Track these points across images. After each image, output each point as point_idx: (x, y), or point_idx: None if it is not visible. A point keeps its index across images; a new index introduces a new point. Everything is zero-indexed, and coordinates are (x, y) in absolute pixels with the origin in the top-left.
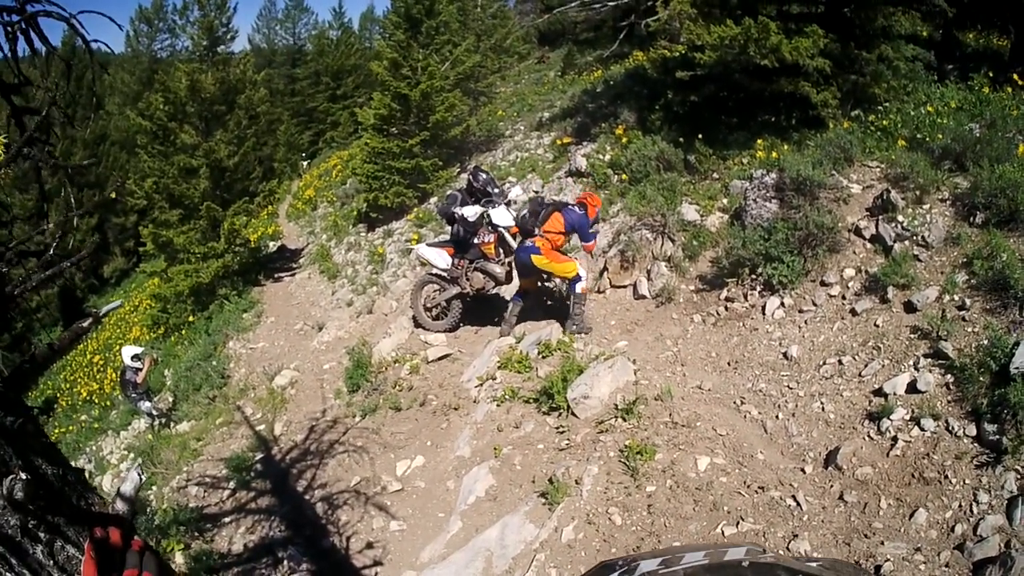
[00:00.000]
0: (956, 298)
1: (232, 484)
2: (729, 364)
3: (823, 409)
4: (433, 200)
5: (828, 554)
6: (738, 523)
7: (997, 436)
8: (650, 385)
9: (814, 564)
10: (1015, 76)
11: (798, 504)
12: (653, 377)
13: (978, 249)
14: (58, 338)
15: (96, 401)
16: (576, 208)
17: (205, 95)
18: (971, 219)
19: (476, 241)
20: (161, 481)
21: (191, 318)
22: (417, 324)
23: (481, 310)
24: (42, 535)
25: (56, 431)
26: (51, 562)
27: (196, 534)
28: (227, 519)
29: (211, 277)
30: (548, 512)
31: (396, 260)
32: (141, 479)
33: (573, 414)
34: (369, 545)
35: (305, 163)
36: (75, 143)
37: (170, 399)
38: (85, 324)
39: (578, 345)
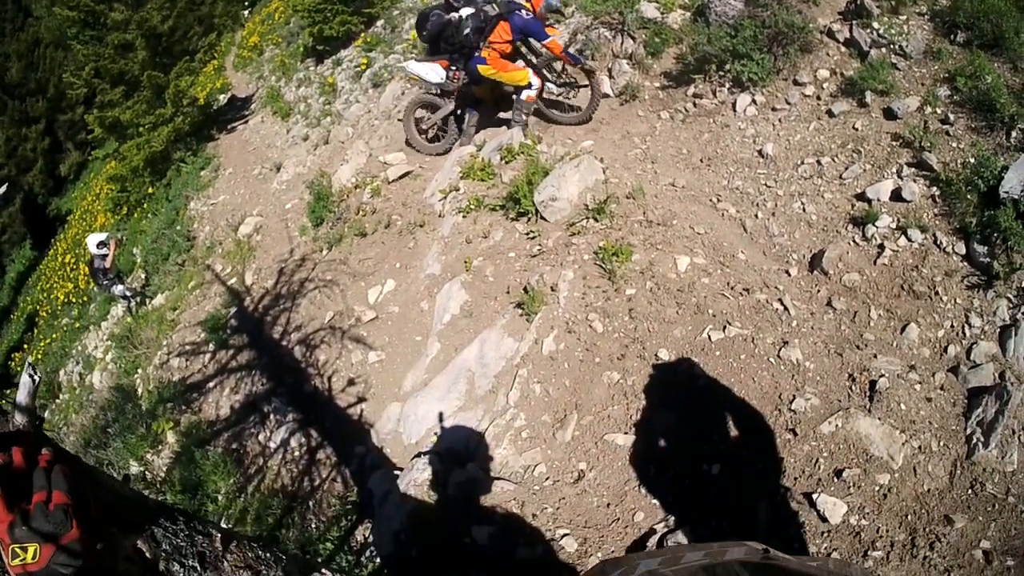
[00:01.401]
0: (939, 111)
1: (211, 347)
2: (702, 161)
3: (804, 210)
4: (380, 23)
5: (820, 364)
6: (725, 327)
7: (987, 259)
8: (620, 183)
9: (814, 564)
10: None
11: (785, 308)
12: (623, 175)
13: (961, 67)
14: None
15: (74, 300)
16: (521, 12)
17: None
18: (952, 37)
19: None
20: (144, 361)
21: (151, 190)
22: (411, 146)
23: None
24: None
25: (42, 343)
26: None
27: (184, 407)
28: (211, 384)
29: (164, 144)
30: (526, 323)
31: (347, 87)
32: (35, 381)
33: (542, 218)
34: (351, 382)
35: (247, 12)
36: (9, 58)
37: (142, 276)
38: None
39: (542, 147)
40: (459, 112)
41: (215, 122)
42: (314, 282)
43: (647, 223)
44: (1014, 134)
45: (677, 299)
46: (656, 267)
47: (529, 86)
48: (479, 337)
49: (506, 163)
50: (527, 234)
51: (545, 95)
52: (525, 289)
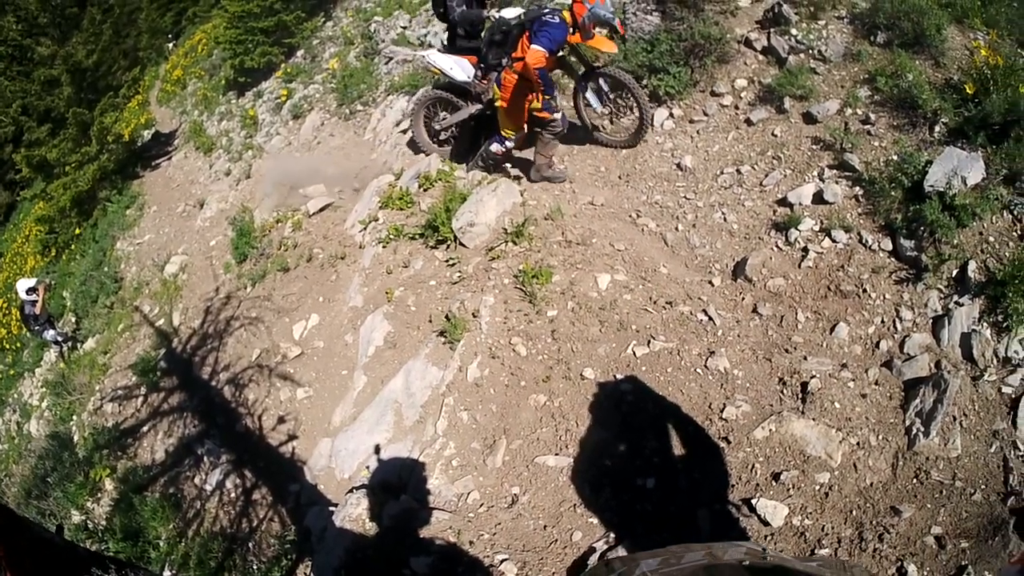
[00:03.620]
0: (859, 112)
1: (143, 390)
2: (620, 178)
3: (725, 219)
4: (300, 53)
5: (749, 371)
6: (649, 342)
7: (915, 252)
8: (538, 205)
9: (814, 564)
10: None
11: (710, 319)
12: (541, 197)
13: (881, 67)
14: None
15: (7, 347)
16: (554, 16)
17: (55, 1)
18: (872, 38)
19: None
20: (79, 408)
21: (78, 231)
22: (416, 149)
23: None
24: None
25: None
26: None
27: (120, 453)
28: (144, 428)
29: (90, 183)
30: (450, 351)
31: (268, 119)
32: None
33: (461, 244)
34: (281, 420)
35: (171, 44)
36: None
37: (73, 320)
38: None
39: (459, 173)
40: (478, 123)
41: (140, 159)
42: (240, 320)
43: (566, 243)
44: (937, 128)
45: (600, 317)
46: (577, 286)
47: (502, 140)
48: (404, 368)
49: (424, 190)
50: (447, 261)
51: (586, 113)
52: (447, 317)
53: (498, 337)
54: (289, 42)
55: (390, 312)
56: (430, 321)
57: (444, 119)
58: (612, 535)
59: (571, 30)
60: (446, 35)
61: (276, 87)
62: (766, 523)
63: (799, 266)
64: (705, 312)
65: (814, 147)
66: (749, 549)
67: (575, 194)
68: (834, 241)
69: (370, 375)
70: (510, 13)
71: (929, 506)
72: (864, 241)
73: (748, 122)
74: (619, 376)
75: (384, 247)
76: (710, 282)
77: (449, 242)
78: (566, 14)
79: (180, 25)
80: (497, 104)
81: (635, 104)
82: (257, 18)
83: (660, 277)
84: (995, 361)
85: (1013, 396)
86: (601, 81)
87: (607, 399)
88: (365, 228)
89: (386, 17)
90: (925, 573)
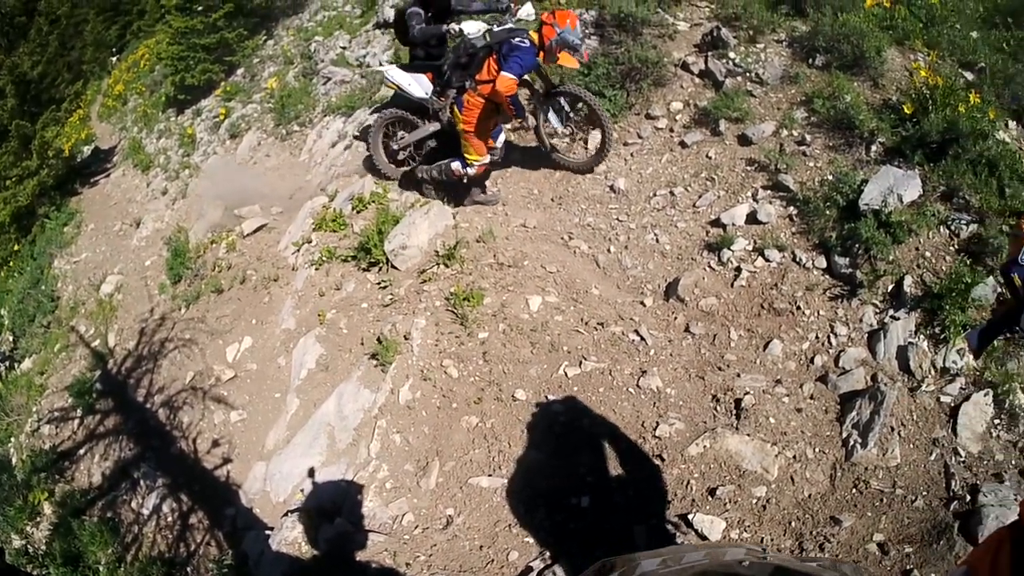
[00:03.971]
0: (795, 133)
1: (79, 412)
2: (553, 200)
3: (657, 240)
4: (240, 72)
5: (682, 389)
6: (580, 362)
7: (850, 269)
8: (471, 227)
9: (814, 564)
10: None
11: (642, 339)
12: (473, 219)
13: (819, 88)
14: None
15: None
16: (523, 40)
17: (4, 9)
18: (810, 61)
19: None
20: (16, 429)
21: (16, 247)
22: (374, 171)
23: None
24: None
25: None
26: None
27: (57, 477)
28: (81, 451)
29: (29, 198)
30: (382, 374)
31: (206, 138)
32: None
33: (393, 267)
34: (215, 443)
35: (115, 58)
36: None
37: (10, 339)
38: None
39: (393, 195)
40: (438, 143)
41: (79, 175)
42: (174, 342)
43: (498, 265)
44: (874, 148)
45: (531, 339)
46: (508, 308)
47: (467, 165)
48: (336, 390)
49: (358, 212)
50: (379, 284)
51: (545, 134)
52: (379, 339)
53: (430, 359)
54: (230, 60)
55: (322, 335)
56: (362, 344)
57: (402, 138)
58: (548, 554)
59: (537, 52)
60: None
61: (215, 105)
62: (704, 537)
63: (732, 285)
64: (637, 332)
65: (748, 168)
66: (749, 549)
67: (507, 216)
68: (767, 260)
69: (303, 398)
70: (471, 28)
71: (870, 514)
72: (798, 260)
73: (683, 144)
74: (551, 397)
75: (317, 269)
76: (642, 303)
77: (381, 264)
78: (533, 35)
79: (125, 39)
80: (460, 128)
81: (597, 124)
82: (200, 35)
83: (592, 298)
84: (932, 372)
85: (952, 405)
86: (562, 100)
87: (539, 420)
88: (298, 250)
89: (326, 37)
90: None
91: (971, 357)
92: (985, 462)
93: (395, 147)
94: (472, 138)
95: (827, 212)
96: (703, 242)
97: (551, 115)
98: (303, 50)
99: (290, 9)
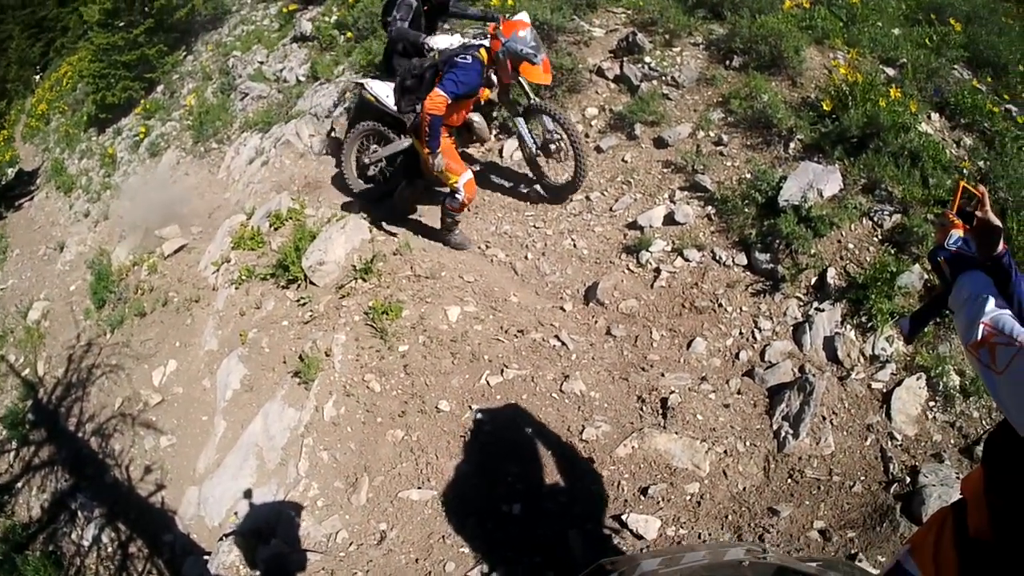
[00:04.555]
0: (712, 134)
1: (14, 444)
2: (468, 209)
3: (575, 245)
4: (160, 89)
5: (606, 391)
6: (502, 370)
7: (771, 265)
8: (387, 240)
9: (814, 564)
10: None
11: (563, 344)
12: (390, 232)
13: (736, 89)
14: None
15: None
16: (466, 56)
17: None
18: (727, 63)
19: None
20: None
21: None
22: (343, 183)
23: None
24: None
25: None
26: None
27: None
28: (19, 484)
29: None
30: (305, 391)
31: (127, 158)
32: None
33: (312, 283)
34: (147, 469)
35: (38, 76)
36: None
37: None
38: None
39: (309, 210)
40: (409, 162)
41: (3, 198)
42: (101, 368)
43: (415, 277)
44: (792, 145)
45: (451, 349)
46: (427, 320)
47: (454, 193)
48: (262, 410)
49: (275, 229)
50: (298, 301)
51: (525, 155)
52: (301, 357)
53: (352, 375)
54: (150, 77)
55: (245, 355)
56: (284, 362)
57: (375, 152)
58: (484, 564)
59: (487, 71)
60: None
61: (135, 124)
62: (640, 537)
63: (652, 287)
64: (558, 337)
65: (665, 171)
66: (749, 549)
67: (424, 227)
68: (687, 260)
69: (230, 419)
70: (442, 43)
71: (808, 503)
72: (718, 258)
73: (598, 149)
74: (475, 406)
75: (237, 288)
76: (562, 308)
77: (300, 281)
78: (483, 53)
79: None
80: (425, 155)
81: (569, 148)
82: (121, 51)
83: (511, 306)
84: (862, 360)
85: (884, 391)
86: (545, 119)
87: (465, 430)
88: (218, 270)
89: (244, 52)
90: None
91: (902, 343)
92: (923, 444)
93: (366, 160)
94: (446, 162)
95: (746, 210)
96: (621, 245)
97: (526, 135)
98: (221, 65)
99: (210, 24)
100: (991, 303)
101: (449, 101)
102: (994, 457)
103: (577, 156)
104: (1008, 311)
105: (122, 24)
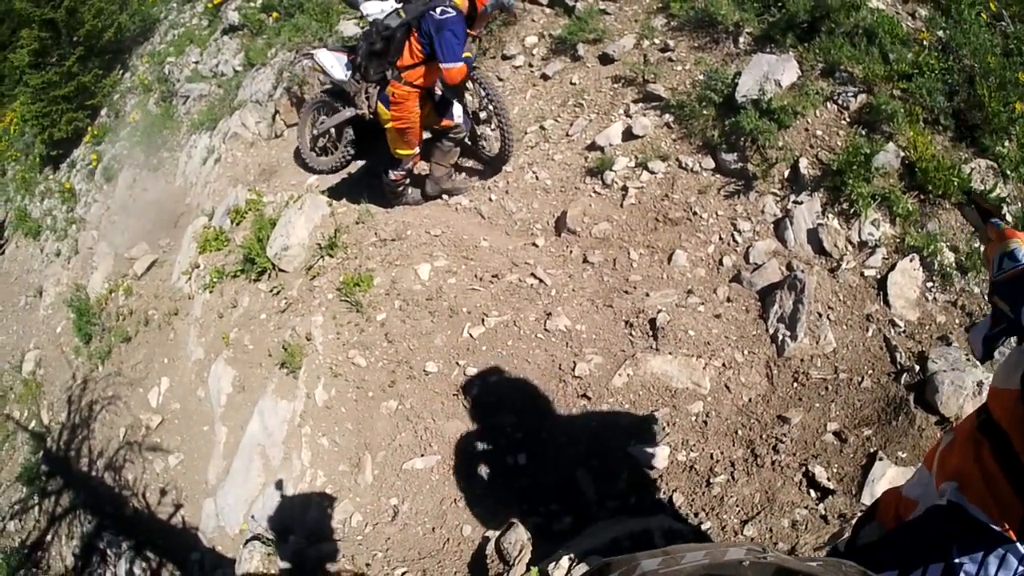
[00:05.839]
0: (657, 41)
1: (35, 499)
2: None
3: (537, 178)
4: (104, 112)
5: (592, 322)
6: (483, 320)
7: (740, 164)
8: (348, 211)
9: (814, 564)
10: None
11: (541, 281)
12: (348, 202)
13: None
14: None
15: None
16: (437, 11)
17: None
18: None
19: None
20: None
21: None
22: (303, 165)
23: None
24: None
25: None
26: None
27: (35, 570)
28: (48, 537)
29: None
30: (294, 381)
31: (85, 188)
32: None
33: (281, 270)
34: (163, 492)
35: None
36: None
37: None
38: None
39: (268, 198)
40: (357, 130)
41: None
42: (99, 403)
43: (380, 242)
44: (742, 39)
45: (428, 308)
46: (399, 283)
47: (396, 163)
48: (256, 408)
49: (237, 224)
50: (271, 291)
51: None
52: (284, 347)
53: (335, 354)
54: (92, 103)
55: (230, 356)
56: (269, 355)
57: (322, 123)
58: (499, 519)
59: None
60: None
61: (86, 153)
62: (651, 467)
63: (622, 206)
64: (534, 275)
65: (616, 86)
66: (750, 549)
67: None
68: (652, 173)
69: (229, 424)
70: (373, 8)
71: (818, 405)
72: (684, 165)
73: (544, 77)
74: (462, 362)
75: (211, 292)
76: (534, 244)
77: (269, 271)
78: (459, 1)
79: None
80: (387, 126)
81: (495, 116)
82: (58, 86)
83: (482, 252)
84: (849, 248)
85: (878, 277)
86: (477, 87)
87: (456, 388)
88: (190, 277)
89: (178, 56)
90: (834, 471)
91: (889, 226)
92: (927, 327)
93: (315, 132)
94: (402, 134)
95: (704, 112)
96: (584, 169)
97: (454, 105)
98: (158, 74)
99: (140, 36)
100: None
101: (467, 67)
102: None
103: (503, 128)
104: None
105: (53, 60)
